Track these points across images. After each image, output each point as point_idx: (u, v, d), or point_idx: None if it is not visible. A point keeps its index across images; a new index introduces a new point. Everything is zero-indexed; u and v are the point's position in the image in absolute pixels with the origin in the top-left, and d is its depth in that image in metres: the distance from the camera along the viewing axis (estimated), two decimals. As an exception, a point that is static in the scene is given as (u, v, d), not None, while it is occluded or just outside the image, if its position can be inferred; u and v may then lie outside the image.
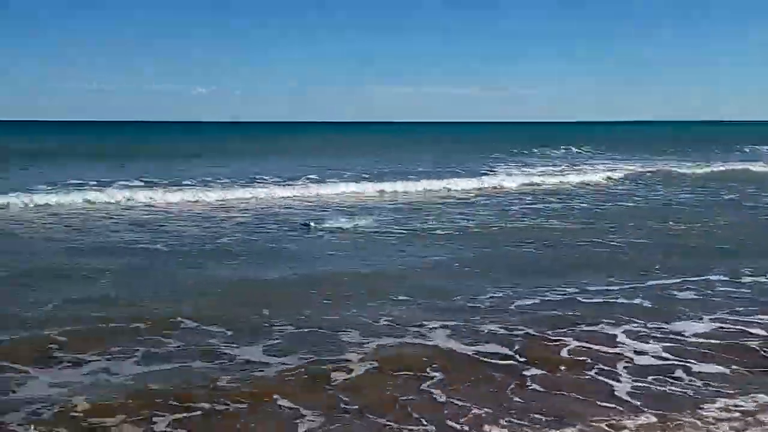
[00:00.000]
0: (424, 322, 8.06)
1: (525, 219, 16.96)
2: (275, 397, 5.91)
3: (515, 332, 7.74)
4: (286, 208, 18.99)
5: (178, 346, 7.24)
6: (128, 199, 19.64)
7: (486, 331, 7.79)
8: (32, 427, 5.21)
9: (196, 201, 20.11)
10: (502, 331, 7.79)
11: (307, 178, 25.89)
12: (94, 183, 23.29)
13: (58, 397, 5.85)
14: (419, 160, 38.42)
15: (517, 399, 5.97)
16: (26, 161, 35.62)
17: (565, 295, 9.38)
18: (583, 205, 20.15)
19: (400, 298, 9.21)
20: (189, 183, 24.07)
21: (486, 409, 5.71)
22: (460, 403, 5.85)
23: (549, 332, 7.73)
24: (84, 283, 9.80)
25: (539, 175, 28.73)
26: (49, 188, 21.43)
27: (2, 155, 39.59)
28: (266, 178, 25.97)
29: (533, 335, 7.65)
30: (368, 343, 7.37)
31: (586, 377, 6.49)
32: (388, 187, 23.70)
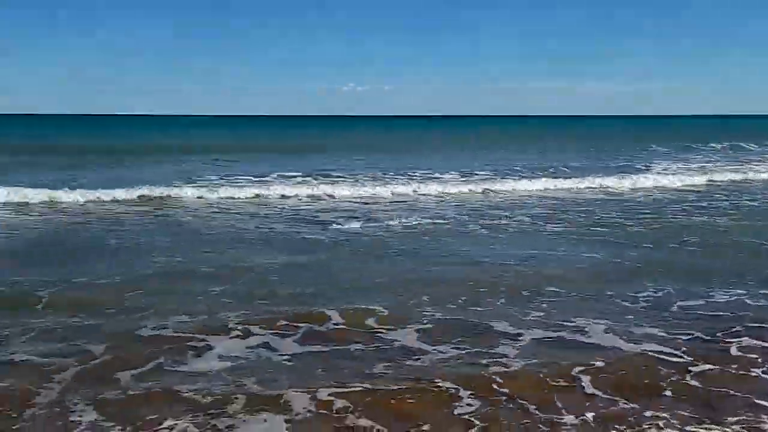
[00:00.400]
0: (578, 318, 8.05)
1: (688, 217, 16.32)
2: (434, 380, 6.16)
3: (676, 330, 7.58)
4: (458, 204, 19.35)
5: (337, 326, 7.72)
6: (295, 194, 20.58)
7: (645, 328, 7.69)
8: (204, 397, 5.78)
9: (365, 195, 20.71)
10: (662, 328, 7.65)
11: (456, 172, 26.15)
12: (258, 175, 24.80)
13: (228, 371, 6.41)
14: (572, 155, 37.63)
15: (669, 393, 5.92)
16: (221, 154, 38.41)
17: (731, 295, 9.02)
18: (753, 203, 19.06)
19: (554, 291, 9.24)
20: (358, 176, 24.89)
21: (633, 404, 5.70)
22: (607, 396, 5.87)
23: (713, 332, 7.51)
24: (254, 273, 10.37)
25: (700, 171, 27.39)
26: (219, 180, 23.05)
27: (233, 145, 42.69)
28: (436, 172, 26.39)
29: (696, 334, 7.46)
30: (522, 335, 7.47)
31: (751, 375, 6.29)
32: (542, 184, 23.31)
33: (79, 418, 5.39)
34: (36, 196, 18.33)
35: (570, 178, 24.72)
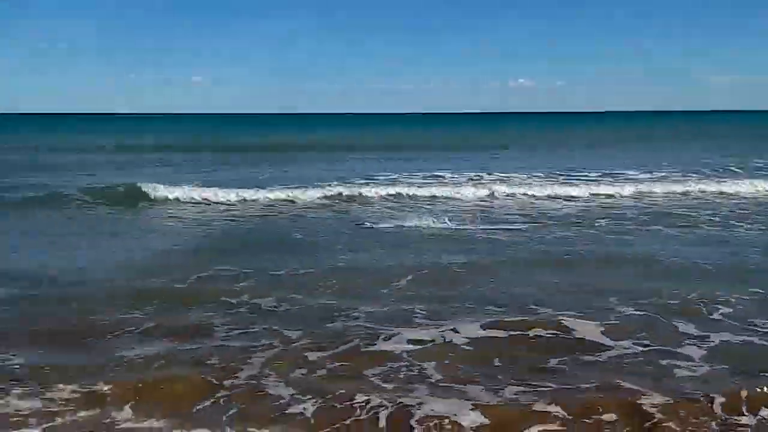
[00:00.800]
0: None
1: None
2: (615, 374, 6.37)
3: None
4: (640, 203, 19.12)
5: (519, 318, 8.09)
6: (472, 192, 20.72)
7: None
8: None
9: (541, 195, 20.46)
10: None
11: (637, 170, 25.39)
12: (432, 172, 25.55)
13: (414, 355, 6.92)
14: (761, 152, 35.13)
15: None
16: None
17: None
18: None
19: (746, 293, 9.05)
20: (534, 174, 24.74)
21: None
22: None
23: None
24: (436, 270, 10.74)
25: None
26: (397, 178, 23.89)
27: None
28: (616, 170, 26.06)
29: None
30: (709, 337, 7.43)
31: None
32: (733, 186, 21.65)
33: (274, 392, 6.10)
34: (226, 194, 19.77)
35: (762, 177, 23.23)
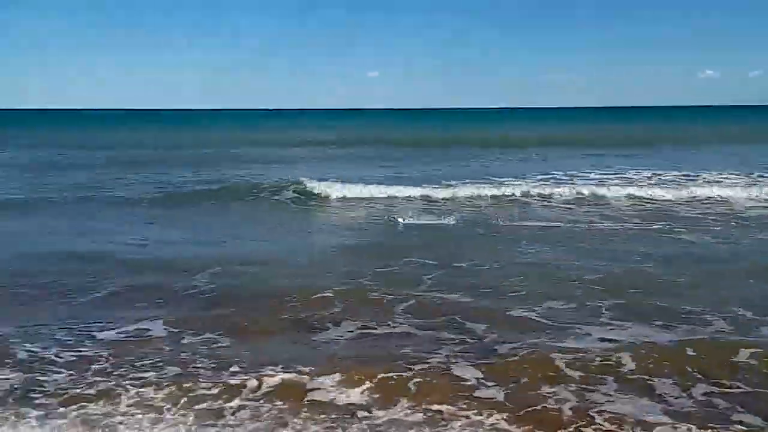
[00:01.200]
0: None
1: None
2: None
3: None
4: None
5: (715, 319, 8.03)
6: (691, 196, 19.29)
7: None
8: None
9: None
10: None
11: None
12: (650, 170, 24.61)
13: (602, 351, 7.02)
14: None
15: None
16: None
17: None
18: None
19: None
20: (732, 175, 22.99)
21: None
22: None
23: None
24: (625, 268, 10.75)
25: None
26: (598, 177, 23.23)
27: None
28: None
29: None
30: None
31: None
32: None
33: (463, 374, 6.49)
34: (402, 191, 20.05)
35: None
